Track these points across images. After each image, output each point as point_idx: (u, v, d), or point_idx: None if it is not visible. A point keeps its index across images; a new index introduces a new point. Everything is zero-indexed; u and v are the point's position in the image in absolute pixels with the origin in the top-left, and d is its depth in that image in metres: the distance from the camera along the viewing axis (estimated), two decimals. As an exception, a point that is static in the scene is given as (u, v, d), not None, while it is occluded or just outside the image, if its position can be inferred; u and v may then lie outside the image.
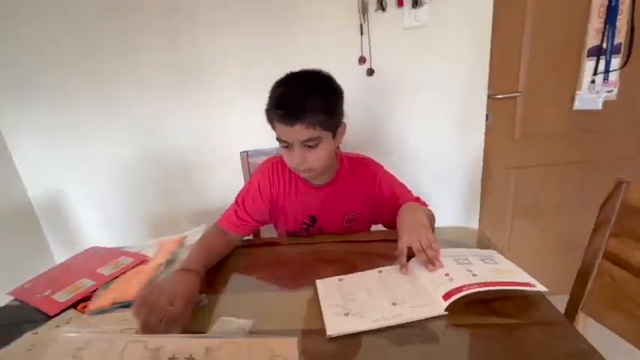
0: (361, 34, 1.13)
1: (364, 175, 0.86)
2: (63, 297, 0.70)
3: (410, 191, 0.88)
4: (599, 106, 1.26)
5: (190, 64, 1.22)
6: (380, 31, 1.14)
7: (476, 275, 0.55)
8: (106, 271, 0.79)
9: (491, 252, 0.65)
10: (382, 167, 0.90)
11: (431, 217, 0.77)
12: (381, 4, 1.09)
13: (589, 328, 0.64)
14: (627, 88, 1.23)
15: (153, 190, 1.41)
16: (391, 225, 0.82)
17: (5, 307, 0.70)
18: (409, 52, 1.17)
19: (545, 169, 1.38)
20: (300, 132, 0.69)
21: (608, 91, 1.25)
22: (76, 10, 1.17)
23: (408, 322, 0.51)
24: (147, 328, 0.50)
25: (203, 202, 1.39)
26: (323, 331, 0.50)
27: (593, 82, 1.24)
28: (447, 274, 0.57)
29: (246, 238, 0.89)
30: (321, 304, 0.56)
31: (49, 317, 0.63)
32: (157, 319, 0.50)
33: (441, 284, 0.56)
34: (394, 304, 0.54)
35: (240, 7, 1.14)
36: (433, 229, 0.75)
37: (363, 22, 1.12)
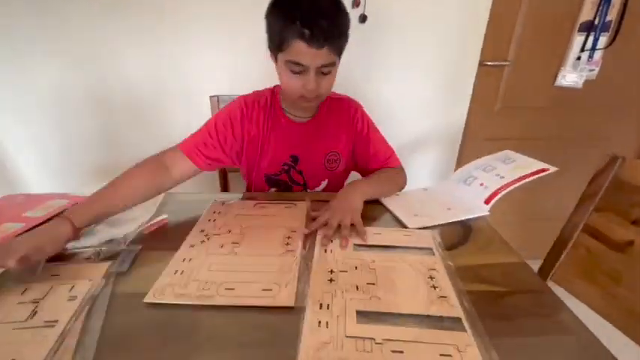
0: (358, -29, 1.00)
1: (347, 115, 0.82)
2: None
3: (387, 145, 0.86)
4: (580, 85, 1.27)
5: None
6: (378, -29, 1.01)
7: (503, 177, 0.70)
8: (35, 213, 0.68)
9: (506, 152, 0.79)
10: (366, 113, 0.86)
11: (391, 185, 0.78)
12: (384, -62, 0.96)
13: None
14: (607, 69, 1.25)
15: (104, 135, 1.23)
16: (362, 170, 0.87)
17: None
18: (406, 3, 1.06)
19: (519, 142, 1.40)
20: (324, 56, 0.63)
21: (590, 70, 1.25)
22: None
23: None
24: None
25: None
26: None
27: (578, 58, 1.24)
28: (481, 184, 0.72)
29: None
30: (391, 209, 0.70)
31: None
32: None
33: (479, 194, 0.70)
34: (449, 209, 0.69)
35: None
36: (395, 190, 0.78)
37: (361, -43, 0.98)
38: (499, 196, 0.65)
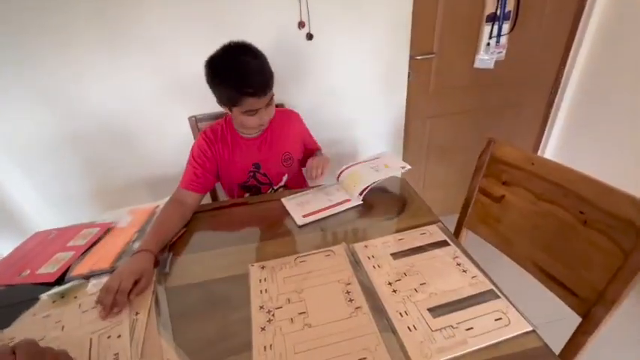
0: (299, -1, 1.18)
1: (290, 122, 1.09)
2: (50, 269, 0.77)
3: (315, 140, 1.19)
4: (492, 66, 1.55)
5: (119, 27, 1.13)
6: (317, -3, 1.20)
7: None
8: (78, 242, 0.86)
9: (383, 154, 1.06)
10: (300, 116, 1.14)
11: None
12: (317, -31, 1.14)
13: (468, 239, 0.97)
14: (513, 50, 1.54)
15: (92, 164, 1.36)
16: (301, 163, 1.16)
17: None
18: (343, 17, 1.27)
19: (452, 116, 1.70)
20: (267, 96, 0.88)
21: (499, 52, 1.54)
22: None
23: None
24: (105, 307, 0.62)
25: (160, 172, 1.41)
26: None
27: (488, 44, 1.51)
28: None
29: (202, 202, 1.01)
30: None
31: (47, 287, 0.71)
32: (111, 298, 0.62)
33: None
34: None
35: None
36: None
37: (300, -13, 1.16)
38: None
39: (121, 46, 1.15)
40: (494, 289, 0.63)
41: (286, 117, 1.08)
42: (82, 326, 0.61)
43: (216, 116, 1.22)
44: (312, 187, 1.00)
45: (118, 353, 0.55)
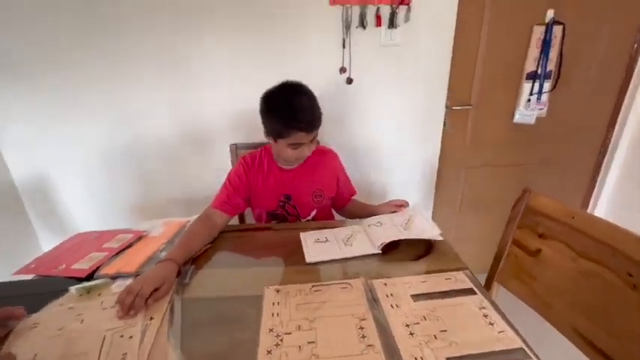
0: (343, 47, 1.29)
1: (326, 160, 1.11)
2: (83, 265, 0.82)
3: (351, 182, 1.20)
4: (533, 121, 1.54)
5: (182, 62, 1.30)
6: (359, 46, 1.30)
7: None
8: (112, 244, 0.93)
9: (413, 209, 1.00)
10: (341, 161, 1.16)
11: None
12: (362, 23, 1.26)
13: (500, 293, 0.90)
14: (555, 107, 1.52)
15: (141, 178, 1.49)
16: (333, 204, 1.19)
17: (31, 280, 0.81)
18: (383, 65, 1.35)
19: (489, 169, 1.66)
20: (314, 133, 0.94)
21: (540, 109, 1.53)
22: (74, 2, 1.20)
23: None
24: (123, 308, 0.64)
25: (192, 190, 1.50)
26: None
27: (529, 100, 1.51)
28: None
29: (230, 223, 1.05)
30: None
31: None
32: (131, 299, 0.65)
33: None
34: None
35: (234, 12, 1.24)
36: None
37: (345, 37, 1.27)
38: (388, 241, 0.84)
39: (183, 77, 1.32)
40: (525, 348, 0.56)
41: (323, 154, 1.11)
42: (99, 322, 0.63)
43: (255, 146, 1.30)
44: (336, 226, 0.99)
45: (126, 353, 0.56)
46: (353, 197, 1.20)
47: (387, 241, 0.83)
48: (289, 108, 0.90)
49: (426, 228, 0.89)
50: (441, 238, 0.85)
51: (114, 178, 1.47)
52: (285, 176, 1.07)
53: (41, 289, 0.75)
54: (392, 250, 0.84)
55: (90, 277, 0.78)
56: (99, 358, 0.55)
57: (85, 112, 1.36)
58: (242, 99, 1.35)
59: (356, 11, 1.25)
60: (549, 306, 0.76)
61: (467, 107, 1.51)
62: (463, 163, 1.64)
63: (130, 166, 1.46)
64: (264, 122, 0.96)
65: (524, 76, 1.48)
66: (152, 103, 1.36)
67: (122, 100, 1.35)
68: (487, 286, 0.91)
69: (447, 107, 1.49)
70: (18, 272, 0.83)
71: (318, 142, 1.05)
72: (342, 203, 1.19)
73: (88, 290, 0.72)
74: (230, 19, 1.25)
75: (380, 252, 0.83)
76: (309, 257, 0.82)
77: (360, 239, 0.90)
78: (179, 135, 1.42)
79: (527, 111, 1.53)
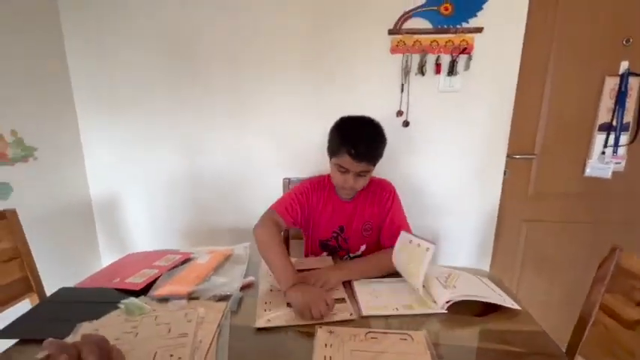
0: (402, 91, 1.32)
1: (382, 194, 1.05)
2: (137, 280, 0.86)
3: (405, 218, 1.05)
4: (609, 176, 1.40)
5: (248, 102, 1.42)
6: (418, 91, 1.33)
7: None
8: (162, 263, 0.96)
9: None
10: (398, 196, 1.07)
11: (374, 269, 0.92)
12: (421, 70, 1.29)
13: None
14: (634, 161, 1.38)
15: (196, 205, 1.57)
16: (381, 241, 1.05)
17: (92, 289, 0.85)
18: (441, 111, 1.35)
19: (554, 225, 1.51)
20: (362, 166, 0.93)
21: (617, 163, 1.39)
22: (163, 46, 1.40)
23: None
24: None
25: (243, 221, 1.54)
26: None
27: (603, 153, 1.39)
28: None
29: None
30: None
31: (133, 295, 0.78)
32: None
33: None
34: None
35: (301, 56, 1.36)
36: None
37: (404, 82, 1.31)
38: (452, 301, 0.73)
39: (247, 113, 1.43)
40: None
41: (378, 186, 1.07)
42: (152, 338, 0.63)
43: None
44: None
45: (175, 373, 0.54)
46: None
47: (458, 299, 0.74)
48: (350, 130, 0.94)
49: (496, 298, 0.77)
50: (519, 307, 0.74)
51: (173, 202, 1.58)
52: (343, 207, 1.06)
53: (101, 299, 0.78)
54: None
55: (145, 291, 0.80)
56: (149, 375, 0.54)
57: (158, 144, 1.51)
58: (299, 136, 1.43)
59: (416, 59, 1.30)
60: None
61: (530, 157, 1.43)
62: (524, 216, 1.50)
63: (187, 192, 1.56)
64: (329, 139, 1.00)
65: (596, 127, 1.39)
66: (214, 141, 1.48)
67: (189, 136, 1.49)
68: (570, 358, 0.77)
69: (508, 156, 1.42)
70: (80, 284, 0.88)
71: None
72: (389, 238, 1.02)
73: (132, 311, 0.72)
74: (294, 67, 1.37)
75: (445, 311, 0.73)
76: (365, 311, 0.73)
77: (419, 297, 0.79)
78: (237, 165, 1.51)
79: (602, 164, 1.40)
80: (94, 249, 1.64)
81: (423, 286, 0.78)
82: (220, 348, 0.62)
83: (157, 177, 1.55)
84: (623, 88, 1.33)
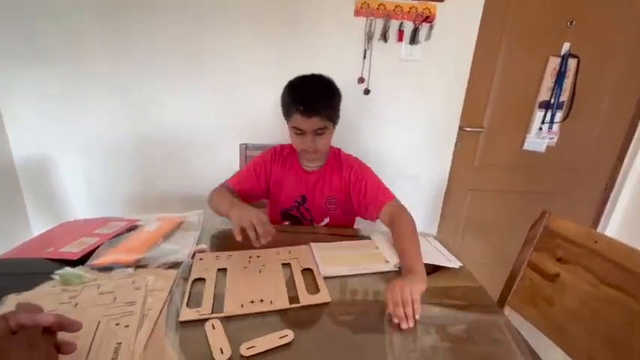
0: (364, 57, 1.30)
1: (349, 170, 1.02)
2: (73, 249, 0.77)
3: (387, 190, 0.99)
4: (543, 150, 1.54)
5: (198, 58, 1.30)
6: (379, 58, 1.31)
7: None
8: (104, 231, 0.88)
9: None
10: (369, 170, 1.04)
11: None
12: (384, 36, 1.27)
13: (511, 318, 0.86)
14: (565, 137, 1.53)
15: (143, 170, 1.45)
16: (362, 214, 1.02)
17: (18, 260, 0.75)
18: (401, 80, 1.36)
19: (494, 194, 1.65)
20: (314, 122, 0.89)
21: (551, 138, 1.53)
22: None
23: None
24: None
25: (194, 187, 1.46)
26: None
27: (540, 129, 1.52)
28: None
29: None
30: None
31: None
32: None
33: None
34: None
35: (257, 16, 1.25)
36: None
37: (367, 48, 1.28)
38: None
39: (199, 70, 1.31)
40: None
41: (340, 162, 1.05)
42: (94, 307, 0.58)
43: (266, 147, 1.28)
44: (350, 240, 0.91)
45: (121, 342, 0.51)
46: (386, 203, 0.95)
47: None
48: (298, 87, 0.91)
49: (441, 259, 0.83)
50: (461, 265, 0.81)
51: (116, 168, 1.43)
52: (306, 178, 1.04)
53: (32, 269, 0.70)
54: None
55: (83, 260, 0.73)
56: (91, 344, 0.50)
57: (94, 101, 1.34)
58: (256, 99, 1.35)
59: (379, 24, 1.27)
60: (565, 332, 0.72)
61: (479, 130, 1.52)
62: (469, 185, 1.62)
63: (132, 156, 1.43)
64: (281, 104, 0.96)
65: (537, 104, 1.50)
66: (162, 99, 1.35)
67: (132, 93, 1.33)
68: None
69: (459, 128, 1.49)
70: (6, 254, 0.77)
71: (337, 150, 1.03)
72: (375, 210, 0.97)
73: (68, 282, 0.65)
74: (252, 22, 1.26)
75: (397, 270, 0.77)
76: (324, 271, 0.75)
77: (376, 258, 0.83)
78: (189, 128, 1.40)
79: (538, 139, 1.54)
80: (23, 217, 1.46)
81: (377, 247, 0.82)
82: (171, 315, 0.60)
83: (94, 138, 1.38)
84: (562, 69, 1.43)
